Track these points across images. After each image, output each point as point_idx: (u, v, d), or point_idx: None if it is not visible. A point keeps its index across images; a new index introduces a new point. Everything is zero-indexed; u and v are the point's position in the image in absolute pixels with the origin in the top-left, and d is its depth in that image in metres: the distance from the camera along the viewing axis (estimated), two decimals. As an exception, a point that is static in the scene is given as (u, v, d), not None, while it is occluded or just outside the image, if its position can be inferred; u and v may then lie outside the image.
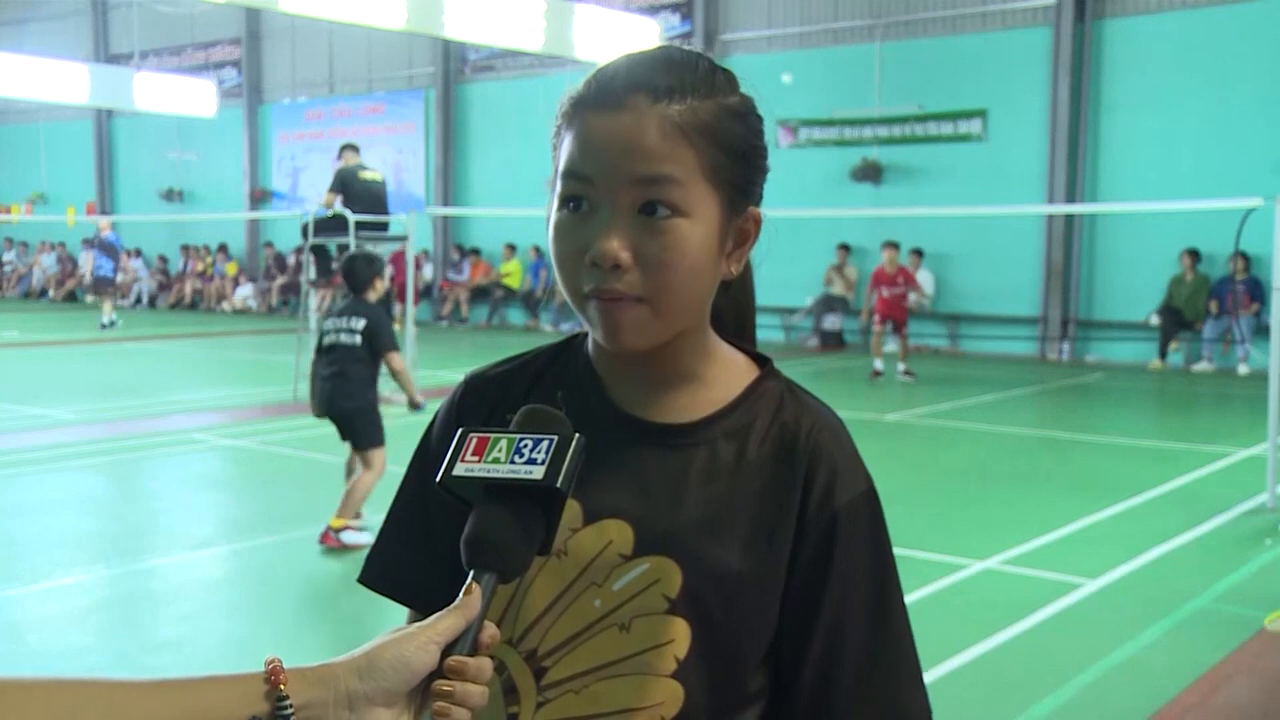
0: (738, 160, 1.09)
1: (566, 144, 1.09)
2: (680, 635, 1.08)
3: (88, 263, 21.73)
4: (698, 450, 1.12)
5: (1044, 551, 5.83)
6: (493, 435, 0.98)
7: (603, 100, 1.06)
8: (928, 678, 1.16)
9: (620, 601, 1.09)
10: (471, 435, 0.98)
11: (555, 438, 0.96)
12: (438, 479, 0.98)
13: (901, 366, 12.67)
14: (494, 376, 1.22)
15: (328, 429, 6.30)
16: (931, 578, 5.24)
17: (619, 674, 1.08)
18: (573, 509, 1.09)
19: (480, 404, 1.20)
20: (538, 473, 0.94)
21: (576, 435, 0.96)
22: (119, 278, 20.86)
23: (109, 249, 19.34)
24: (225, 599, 5.36)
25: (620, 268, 1.04)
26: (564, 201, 1.09)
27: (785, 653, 1.11)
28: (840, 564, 1.09)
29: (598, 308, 1.07)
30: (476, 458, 0.97)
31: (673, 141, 1.04)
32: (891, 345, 13.32)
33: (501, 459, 0.96)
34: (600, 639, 1.09)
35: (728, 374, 1.16)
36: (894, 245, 13.25)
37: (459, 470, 0.97)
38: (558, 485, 0.94)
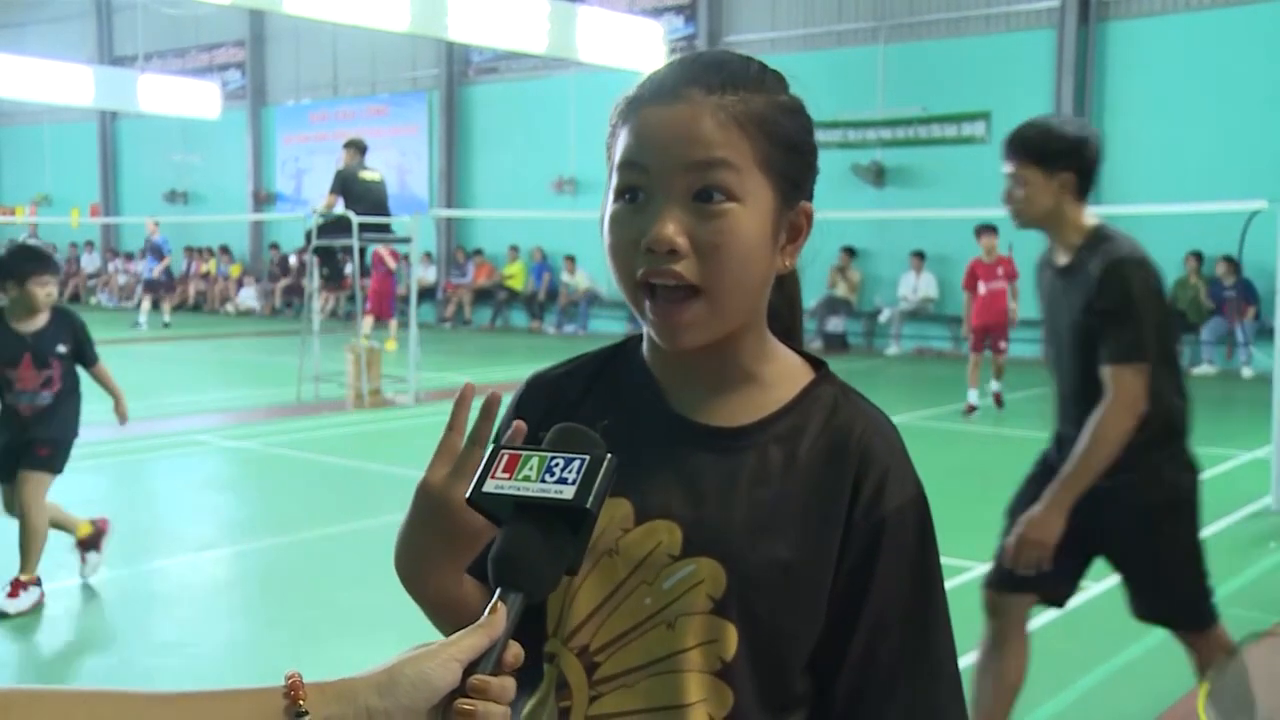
0: (790, 153, 1.11)
1: (622, 139, 1.10)
2: (726, 636, 1.08)
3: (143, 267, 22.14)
4: (748, 453, 1.12)
5: (1047, 554, 5.82)
6: (524, 453, 0.98)
7: (657, 95, 1.09)
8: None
9: (669, 600, 1.10)
10: (504, 452, 0.99)
11: (587, 458, 0.96)
12: (468, 495, 0.98)
13: (994, 386, 10.40)
14: (553, 378, 1.24)
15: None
16: (935, 580, 5.23)
17: (667, 670, 1.10)
18: (624, 509, 1.11)
19: (537, 404, 1.21)
20: (568, 493, 0.94)
21: (608, 456, 0.96)
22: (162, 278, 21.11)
23: (155, 251, 19.63)
24: (229, 601, 5.36)
25: (676, 253, 1.05)
26: (619, 193, 1.09)
27: (824, 655, 1.11)
28: (884, 570, 1.10)
29: (654, 309, 1.08)
30: (507, 475, 0.97)
31: (727, 130, 1.06)
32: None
33: (532, 477, 0.96)
34: (650, 636, 1.10)
35: (783, 376, 1.17)
36: (992, 229, 10.40)
37: (489, 487, 0.97)
38: (587, 506, 0.93)
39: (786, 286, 1.22)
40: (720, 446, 1.13)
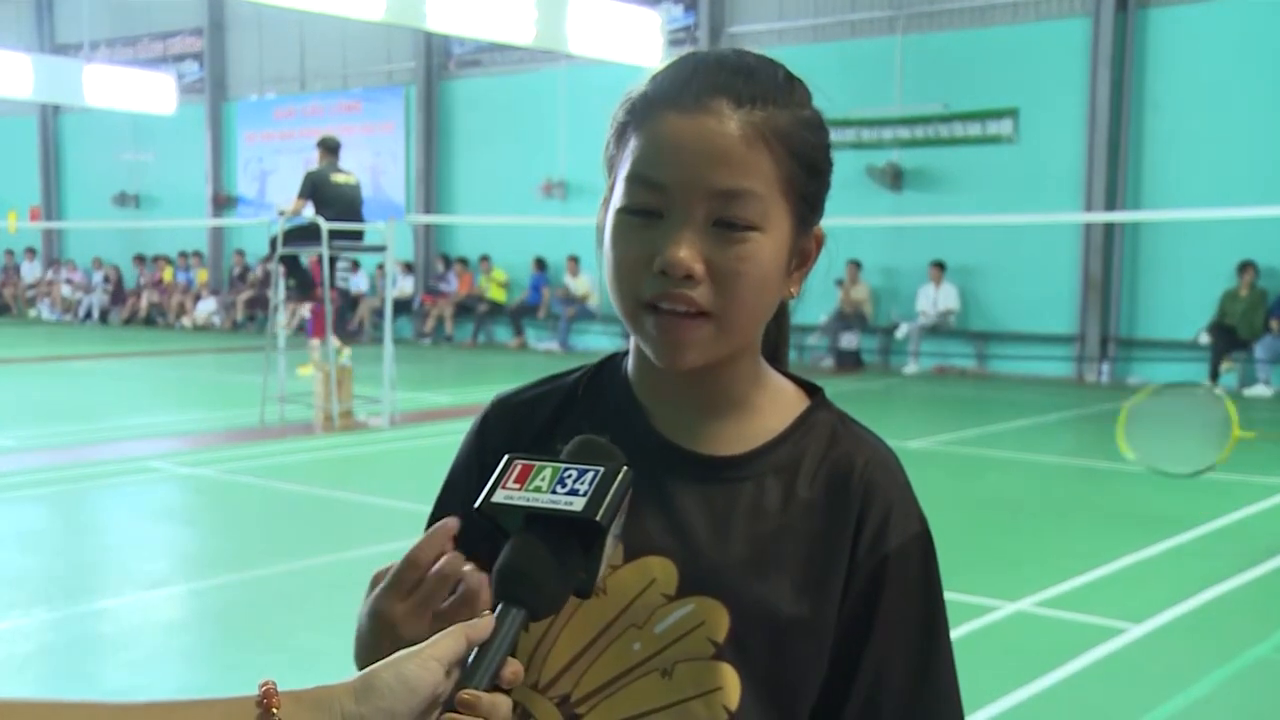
0: (811, 174, 1.13)
1: (635, 145, 1.11)
2: (729, 683, 1.10)
3: None
4: (745, 485, 1.14)
5: (1083, 593, 5.83)
6: (537, 463, 1.01)
7: (678, 101, 1.09)
8: (957, 733, 1.17)
9: (663, 645, 1.11)
10: (516, 461, 1.02)
11: (601, 469, 0.98)
12: (477, 504, 1.00)
13: None
14: (521, 400, 1.25)
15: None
16: (957, 621, 5.23)
17: None
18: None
19: (503, 428, 1.23)
20: (578, 504, 0.96)
21: (625, 468, 0.99)
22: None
23: None
24: (182, 644, 5.35)
25: (692, 278, 1.07)
26: (630, 209, 1.10)
27: (825, 698, 1.13)
28: (887, 610, 1.13)
29: (657, 324, 1.09)
30: (518, 485, 1.00)
31: (755, 150, 1.08)
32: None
33: (543, 488, 0.99)
34: (640, 684, 1.11)
35: (777, 402, 1.19)
36: None
37: (499, 497, 1.00)
38: (596, 518, 0.95)
39: (778, 312, 1.24)
40: (714, 477, 1.15)
